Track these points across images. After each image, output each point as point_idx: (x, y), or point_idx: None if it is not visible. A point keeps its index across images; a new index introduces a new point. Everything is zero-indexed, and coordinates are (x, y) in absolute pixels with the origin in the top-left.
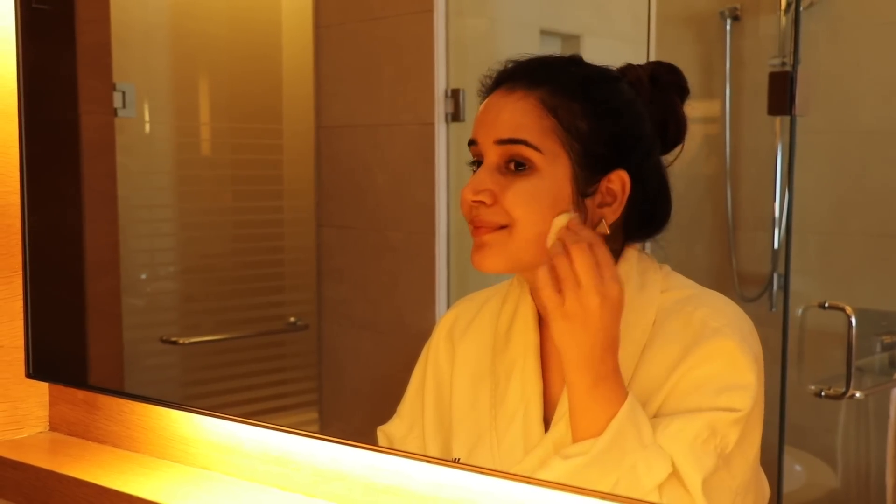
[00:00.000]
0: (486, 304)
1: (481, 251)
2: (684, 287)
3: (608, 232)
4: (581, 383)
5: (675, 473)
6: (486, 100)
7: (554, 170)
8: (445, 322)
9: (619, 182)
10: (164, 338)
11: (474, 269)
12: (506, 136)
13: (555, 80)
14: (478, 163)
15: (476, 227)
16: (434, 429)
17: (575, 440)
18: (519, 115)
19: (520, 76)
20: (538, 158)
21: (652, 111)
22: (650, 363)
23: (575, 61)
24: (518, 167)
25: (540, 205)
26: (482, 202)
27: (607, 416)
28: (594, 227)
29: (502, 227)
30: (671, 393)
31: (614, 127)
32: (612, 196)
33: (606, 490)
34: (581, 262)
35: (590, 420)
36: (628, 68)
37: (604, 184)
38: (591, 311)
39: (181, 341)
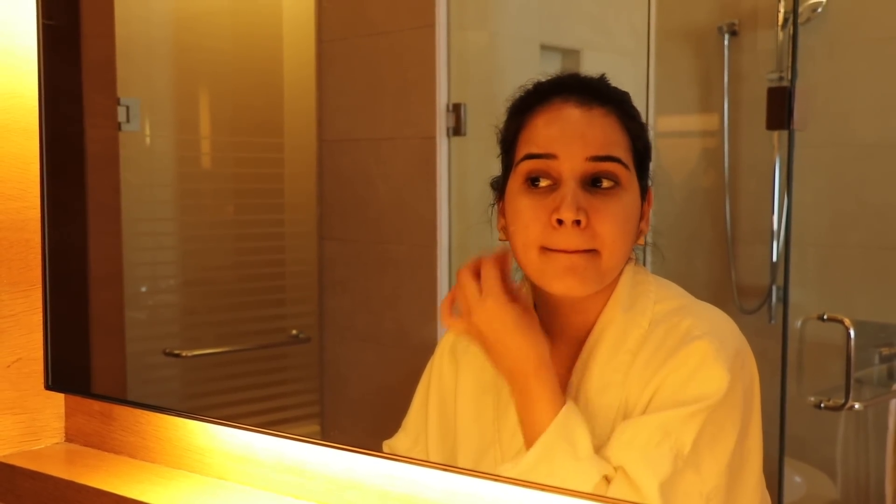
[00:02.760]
0: None
1: (572, 275)
2: (676, 297)
3: (644, 242)
4: (511, 387)
5: (628, 481)
6: (552, 111)
7: (632, 188)
8: (449, 336)
9: (648, 196)
10: (167, 350)
11: None
12: (603, 152)
13: (619, 98)
14: (534, 179)
15: (560, 250)
16: (438, 442)
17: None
18: (609, 132)
19: (587, 91)
20: (625, 177)
21: None
22: (639, 372)
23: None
24: (604, 185)
25: (627, 225)
26: (578, 221)
27: (540, 425)
28: (637, 239)
29: (589, 252)
30: (651, 401)
31: (648, 143)
32: (643, 211)
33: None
34: (462, 282)
35: (528, 427)
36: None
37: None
38: (477, 326)
39: (184, 354)
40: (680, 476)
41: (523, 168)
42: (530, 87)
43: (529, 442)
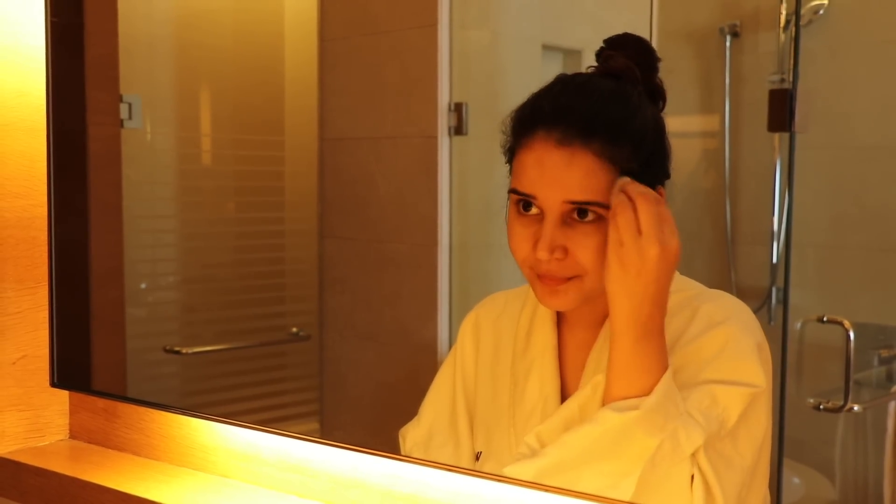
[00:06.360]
0: (507, 305)
1: (555, 297)
2: (690, 288)
3: None
4: (627, 335)
5: None
6: (535, 151)
7: (611, 217)
8: (468, 324)
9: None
10: (167, 347)
11: (476, 281)
12: (579, 198)
13: (606, 127)
14: (525, 203)
15: (544, 277)
16: (467, 433)
17: (610, 397)
18: (586, 175)
19: (569, 123)
20: (606, 211)
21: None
22: None
23: (605, 95)
24: (587, 218)
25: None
26: (556, 259)
27: (648, 377)
28: None
29: (571, 278)
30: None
31: (652, 151)
32: None
33: (649, 451)
34: (645, 211)
35: (630, 377)
36: (613, 60)
37: None
38: (647, 260)
39: (184, 351)
40: (722, 444)
41: (514, 197)
42: (525, 107)
43: (627, 386)
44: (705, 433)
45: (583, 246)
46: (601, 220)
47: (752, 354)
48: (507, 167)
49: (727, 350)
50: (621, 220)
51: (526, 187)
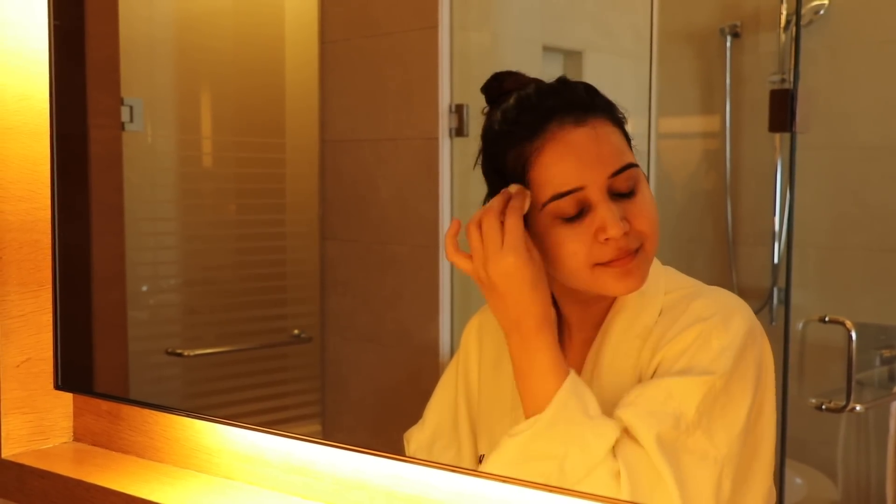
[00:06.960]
0: None
1: (630, 277)
2: (685, 287)
3: None
4: (511, 343)
5: (629, 434)
6: (559, 140)
7: (643, 177)
8: (471, 329)
9: None
10: (169, 350)
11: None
12: (619, 165)
13: (602, 101)
14: (567, 208)
15: (616, 260)
16: (468, 436)
17: (525, 413)
18: (614, 143)
19: (574, 106)
20: (640, 173)
21: None
22: (648, 354)
23: (577, 82)
24: (627, 190)
25: (656, 212)
26: (626, 233)
27: (546, 379)
28: None
29: (637, 251)
30: (655, 372)
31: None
32: None
33: (557, 462)
34: (485, 229)
35: (528, 379)
36: (518, 79)
37: None
38: (490, 277)
39: (186, 353)
40: (690, 438)
41: (552, 209)
42: (513, 116)
43: (531, 400)
44: (618, 429)
45: (635, 214)
46: (640, 186)
47: (719, 345)
48: None
49: (696, 343)
50: (469, 240)
51: (568, 182)
